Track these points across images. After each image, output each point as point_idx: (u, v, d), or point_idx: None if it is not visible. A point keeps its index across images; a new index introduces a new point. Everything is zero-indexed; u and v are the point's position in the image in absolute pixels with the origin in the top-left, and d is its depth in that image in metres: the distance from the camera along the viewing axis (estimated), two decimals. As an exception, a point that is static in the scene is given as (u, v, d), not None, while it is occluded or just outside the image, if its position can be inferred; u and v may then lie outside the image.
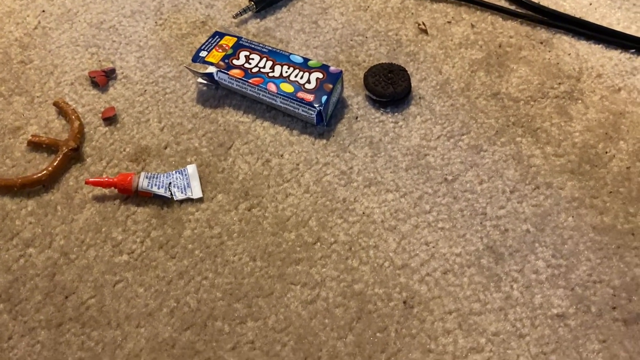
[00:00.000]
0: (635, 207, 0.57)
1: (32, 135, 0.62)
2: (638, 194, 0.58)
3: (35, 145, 0.62)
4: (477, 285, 0.53)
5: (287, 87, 0.63)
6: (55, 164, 0.59)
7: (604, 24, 0.73)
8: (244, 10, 0.74)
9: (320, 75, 0.64)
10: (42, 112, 0.66)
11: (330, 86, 0.63)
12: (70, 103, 0.66)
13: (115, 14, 0.76)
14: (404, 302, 0.52)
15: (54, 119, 0.65)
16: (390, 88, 0.65)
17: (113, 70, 0.69)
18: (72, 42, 0.73)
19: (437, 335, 0.50)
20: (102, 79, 0.67)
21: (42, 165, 0.61)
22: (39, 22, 0.75)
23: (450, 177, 0.60)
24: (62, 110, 0.64)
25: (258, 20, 0.75)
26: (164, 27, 0.74)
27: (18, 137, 0.64)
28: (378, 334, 0.50)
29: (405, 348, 0.50)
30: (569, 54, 0.71)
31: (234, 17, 0.74)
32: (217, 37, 0.68)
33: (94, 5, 0.77)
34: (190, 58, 0.70)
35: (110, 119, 0.65)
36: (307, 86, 0.63)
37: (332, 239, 0.56)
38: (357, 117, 0.66)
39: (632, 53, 0.70)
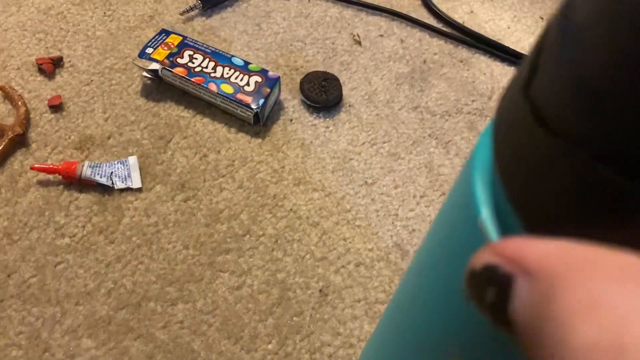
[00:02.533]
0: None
1: (-22, 118, 0.64)
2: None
3: (-19, 128, 0.65)
4: (384, 277, 0.61)
5: (227, 88, 0.68)
6: (0, 148, 0.62)
7: (519, 48, 0.82)
8: (191, 8, 0.78)
9: (259, 79, 0.69)
10: (-13, 95, 0.68)
11: (268, 90, 0.68)
12: (16, 89, 0.69)
13: (64, 1, 0.78)
14: (320, 291, 0.59)
15: (-1, 102, 0.68)
16: (323, 95, 0.72)
17: (60, 59, 0.72)
18: (20, 26, 0.75)
19: (346, 320, 0.58)
20: (49, 67, 0.70)
21: (-14, 147, 0.64)
22: (-14, 3, 0.76)
23: (370, 181, 0.68)
24: (7, 95, 0.67)
25: (204, 18, 0.79)
26: (112, 19, 0.78)
27: (-37, 118, 0.66)
28: (295, 318, 0.57)
29: (317, 331, 0.57)
30: (485, 74, 0.79)
31: (180, 14, 0.78)
32: (163, 34, 0.72)
33: (43, -10, 0.79)
34: (137, 51, 0.74)
35: (56, 107, 0.68)
36: (246, 88, 0.68)
37: (261, 232, 0.62)
38: (291, 120, 0.72)
39: (538, 77, 0.79)
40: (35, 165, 0.61)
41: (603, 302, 0.11)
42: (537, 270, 0.13)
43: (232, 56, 0.71)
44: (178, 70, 0.68)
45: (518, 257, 0.13)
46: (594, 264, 0.12)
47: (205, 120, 0.70)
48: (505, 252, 0.14)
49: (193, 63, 0.69)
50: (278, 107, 0.72)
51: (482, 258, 0.14)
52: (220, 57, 0.70)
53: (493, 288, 0.14)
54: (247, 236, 0.62)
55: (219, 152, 0.68)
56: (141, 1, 0.80)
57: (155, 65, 0.69)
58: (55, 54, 0.72)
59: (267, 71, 0.70)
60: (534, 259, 0.13)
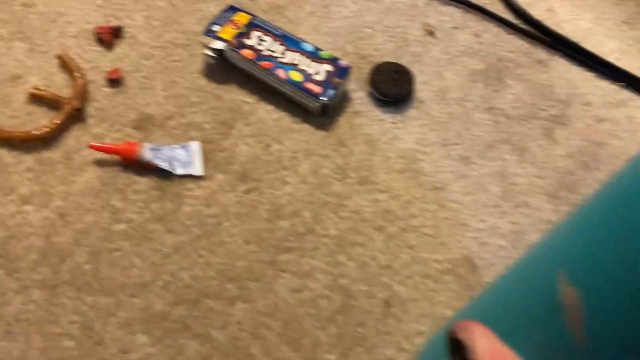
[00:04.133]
0: (602, 236, 0.63)
1: (35, 88, 0.61)
2: (605, 224, 0.63)
3: (37, 98, 0.61)
4: (452, 292, 0.58)
5: (296, 76, 0.64)
6: (57, 122, 0.59)
7: (599, 51, 0.77)
8: (258, -16, 0.74)
9: (329, 68, 0.65)
10: (43, 63, 0.65)
11: (339, 81, 0.64)
12: (73, 57, 0.65)
13: (125, -35, 0.74)
14: (384, 301, 0.56)
15: (56, 71, 0.64)
16: (394, 89, 0.67)
17: (120, 29, 0.68)
18: (79, -10, 0.71)
19: (411, 336, 0.55)
20: (109, 37, 0.66)
21: (41, 119, 0.61)
22: (44, -37, 0.72)
23: (439, 185, 0.64)
24: (66, 65, 0.63)
25: (270, -4, 0.75)
26: (174, -11, 0.73)
27: (17, 86, 0.63)
28: (358, 329, 0.54)
29: (381, 344, 0.54)
30: (563, 78, 0.74)
31: (246, -10, 0.74)
32: (230, 11, 0.67)
33: (103, -47, 0.75)
34: (199, 26, 0.70)
35: (115, 81, 0.64)
36: (316, 77, 0.64)
37: (323, 232, 0.59)
38: (358, 113, 0.68)
39: (621, 86, 0.74)
40: (94, 144, 0.58)
41: None
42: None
43: (303, 41, 0.66)
44: (245, 53, 0.64)
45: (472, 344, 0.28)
46: None
47: (269, 107, 0.66)
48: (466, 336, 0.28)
49: (261, 45, 0.65)
50: (344, 97, 0.68)
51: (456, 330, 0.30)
52: (290, 41, 0.66)
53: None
54: (310, 235, 0.59)
55: (282, 142, 0.64)
56: (205, -28, 0.75)
57: (221, 45, 0.65)
58: (114, 22, 0.69)
59: (338, 60, 0.66)
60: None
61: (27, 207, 0.56)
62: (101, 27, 0.67)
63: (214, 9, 0.72)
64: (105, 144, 0.58)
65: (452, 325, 0.30)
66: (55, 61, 0.65)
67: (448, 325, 0.32)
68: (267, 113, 0.66)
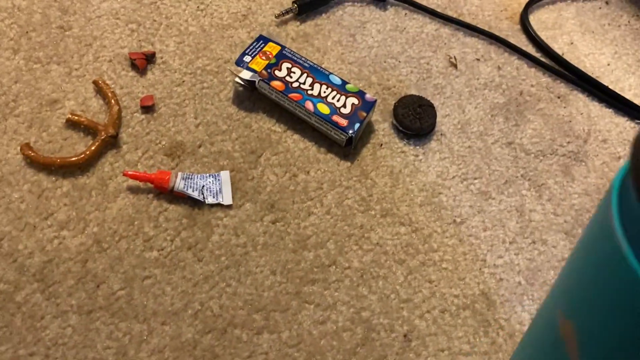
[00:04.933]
0: (615, 275, 0.65)
1: (71, 114, 0.63)
2: (619, 263, 0.65)
3: (73, 124, 0.63)
4: (469, 327, 0.60)
5: (323, 108, 0.66)
6: (93, 148, 0.61)
7: (617, 87, 0.79)
8: (286, 12, 0.75)
9: (355, 101, 0.67)
10: (79, 87, 0.67)
11: (364, 114, 0.66)
12: (108, 82, 0.67)
13: (157, -11, 0.76)
14: (404, 335, 0.58)
15: (91, 96, 0.66)
16: (417, 123, 0.69)
17: (153, 54, 0.70)
18: (113, 14, 0.73)
19: (429, 370, 0.57)
20: (142, 62, 0.68)
21: (77, 144, 0.63)
22: (79, -15, 0.74)
23: (459, 220, 0.66)
24: (101, 91, 0.65)
25: (298, 23, 0.77)
26: (205, 14, 0.75)
27: (55, 110, 0.65)
28: (378, 362, 0.57)
29: (400, 377, 0.56)
30: (582, 114, 0.76)
31: (275, 17, 0.75)
32: (261, 42, 0.69)
33: (136, -24, 0.76)
34: (229, 53, 0.72)
35: (148, 108, 0.66)
36: (343, 110, 0.66)
37: (347, 264, 0.61)
38: (381, 145, 0.69)
39: (638, 123, 0.76)
40: (129, 172, 0.60)
41: None
42: None
43: (330, 73, 0.68)
44: (275, 84, 0.66)
45: None
46: None
47: (296, 136, 0.68)
48: None
49: (291, 77, 0.67)
50: (368, 129, 0.70)
51: None
52: (318, 74, 0.68)
53: None
54: (333, 267, 0.61)
55: (308, 172, 0.66)
56: (235, -3, 0.77)
57: (252, 76, 0.67)
58: (147, 47, 0.71)
59: (364, 93, 0.67)
60: None
61: (65, 233, 0.58)
62: (135, 53, 0.69)
63: (244, 35, 0.74)
64: (139, 172, 0.60)
65: None
66: (91, 86, 0.67)
67: None
68: (294, 143, 0.68)
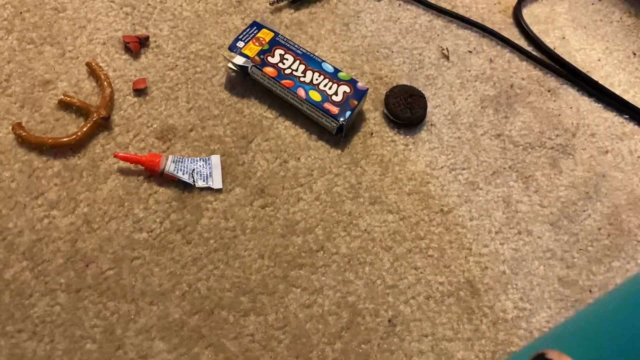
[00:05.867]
0: (597, 267, 0.66)
1: (64, 95, 0.63)
2: (602, 255, 0.66)
3: (66, 105, 0.64)
4: (452, 314, 0.61)
5: (315, 95, 0.66)
6: (85, 129, 0.61)
7: (607, 82, 0.79)
8: (281, -1, 0.76)
9: (347, 89, 0.67)
10: (72, 69, 0.67)
11: (356, 102, 0.67)
12: (101, 65, 0.67)
13: (153, -27, 0.76)
14: (389, 320, 0.59)
15: (84, 78, 0.67)
16: (407, 112, 0.70)
17: (147, 38, 0.70)
18: (107, -4, 0.73)
19: (412, 355, 0.58)
20: (136, 46, 0.68)
21: (69, 125, 0.63)
22: (74, -33, 0.74)
23: (446, 209, 0.67)
24: (94, 73, 0.66)
25: (292, 11, 0.77)
26: (199, -1, 0.75)
27: (48, 91, 0.65)
28: (362, 345, 0.57)
29: (383, 361, 0.57)
30: (571, 107, 0.77)
31: (270, 4, 0.76)
32: (255, 28, 0.70)
33: (132, -41, 0.76)
34: (223, 38, 0.72)
35: (140, 91, 0.66)
36: (334, 98, 0.66)
37: (334, 250, 0.62)
38: (372, 134, 0.70)
39: (626, 118, 0.77)
40: (120, 154, 0.60)
41: None
42: None
43: (323, 61, 0.69)
44: (268, 70, 0.66)
45: None
46: None
47: (287, 123, 0.69)
48: None
49: (283, 64, 0.67)
50: (359, 118, 0.71)
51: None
52: (311, 61, 0.68)
53: None
54: (321, 252, 0.62)
55: (298, 159, 0.67)
56: (230, -16, 0.77)
57: (244, 61, 0.67)
58: (141, 30, 0.71)
59: (356, 82, 0.68)
60: None
61: (55, 212, 0.59)
62: (129, 36, 0.69)
63: (238, 22, 0.74)
64: (129, 154, 0.60)
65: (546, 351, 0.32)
66: (84, 67, 0.67)
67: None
68: (285, 129, 0.68)
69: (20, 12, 0.69)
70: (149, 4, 0.73)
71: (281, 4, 0.77)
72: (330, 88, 0.67)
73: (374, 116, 0.71)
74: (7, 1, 0.70)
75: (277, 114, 0.69)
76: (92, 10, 0.71)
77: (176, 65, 0.70)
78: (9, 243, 0.56)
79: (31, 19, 0.69)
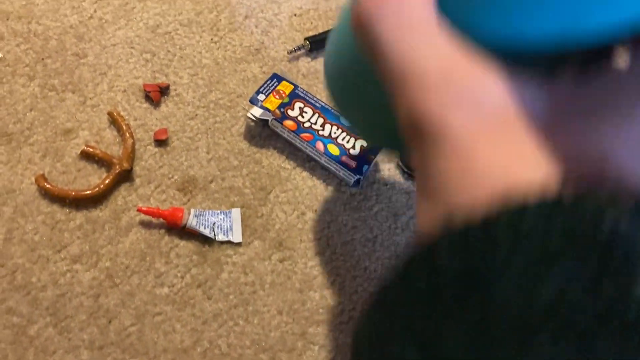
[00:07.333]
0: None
1: (86, 146, 0.64)
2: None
3: (88, 156, 0.64)
4: None
5: (333, 149, 0.67)
6: (107, 182, 0.62)
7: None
8: (299, 48, 0.77)
9: (365, 143, 0.69)
10: (94, 117, 0.68)
11: (373, 157, 0.68)
12: (122, 114, 0.68)
13: (172, 19, 0.77)
14: (405, 378, 0.60)
15: (105, 127, 0.67)
16: (422, 166, 0.71)
17: (167, 87, 0.71)
18: (128, 42, 0.74)
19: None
20: (157, 95, 0.69)
21: (91, 176, 0.64)
22: (95, 11, 0.75)
23: (459, 263, 0.68)
24: (116, 123, 0.66)
25: (309, 59, 0.78)
26: (218, 46, 0.76)
27: (70, 140, 0.66)
28: (379, 404, 0.59)
29: (399, 420, 0.58)
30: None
31: (288, 53, 0.77)
32: (275, 80, 0.71)
33: (152, 4, 0.77)
34: (242, 87, 0.73)
35: (162, 141, 0.67)
36: (352, 152, 0.68)
37: (352, 306, 0.63)
38: (386, 185, 0.71)
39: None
40: (142, 208, 0.61)
41: None
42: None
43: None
44: (288, 124, 0.68)
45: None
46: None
47: (305, 174, 0.70)
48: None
49: (303, 117, 0.68)
50: (375, 168, 0.72)
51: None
52: (329, 114, 0.70)
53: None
54: (339, 308, 0.63)
55: (315, 210, 0.68)
56: (248, 30, 0.78)
57: (265, 114, 0.68)
58: (161, 78, 0.72)
59: (373, 135, 0.69)
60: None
61: (77, 266, 0.59)
62: (149, 85, 0.70)
63: (257, 70, 0.76)
64: (153, 208, 0.61)
65: None
66: (105, 116, 0.68)
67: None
68: (303, 180, 0.69)
69: (42, 59, 0.70)
70: (169, 51, 0.74)
71: (299, 52, 0.78)
72: (348, 142, 0.68)
73: (388, 167, 0.73)
74: (29, 46, 0.71)
75: (295, 164, 0.70)
76: (113, 56, 0.72)
77: (196, 115, 0.71)
78: (33, 298, 0.57)
79: (52, 65, 0.70)
